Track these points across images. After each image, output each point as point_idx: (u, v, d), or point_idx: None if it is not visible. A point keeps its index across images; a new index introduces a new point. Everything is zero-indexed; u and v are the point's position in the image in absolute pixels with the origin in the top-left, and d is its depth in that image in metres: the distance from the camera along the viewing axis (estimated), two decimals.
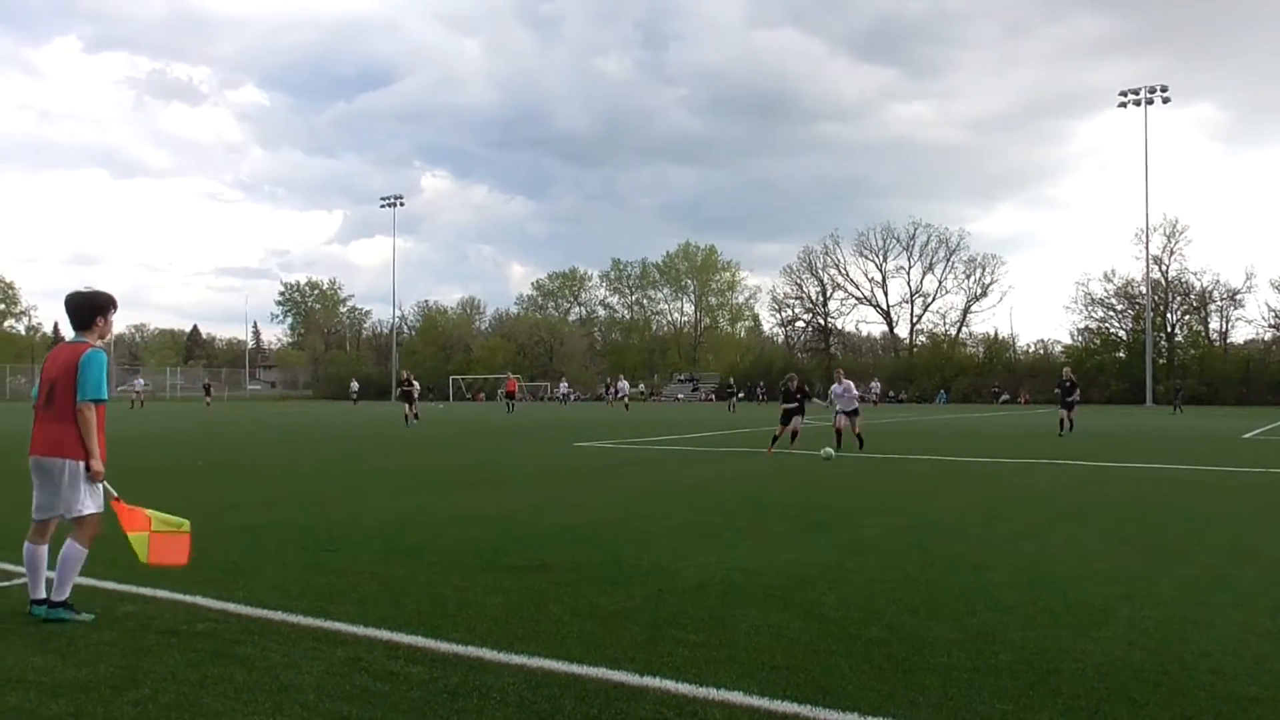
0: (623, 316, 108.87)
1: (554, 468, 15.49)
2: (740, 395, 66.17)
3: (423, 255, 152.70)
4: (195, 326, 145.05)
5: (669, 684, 4.27)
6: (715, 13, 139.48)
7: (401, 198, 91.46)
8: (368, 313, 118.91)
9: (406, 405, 29.25)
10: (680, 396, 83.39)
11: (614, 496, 11.40)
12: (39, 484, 5.36)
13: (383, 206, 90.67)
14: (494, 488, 12.30)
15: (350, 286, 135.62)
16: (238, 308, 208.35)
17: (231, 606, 5.66)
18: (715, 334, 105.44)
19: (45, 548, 5.39)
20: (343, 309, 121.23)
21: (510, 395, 46.83)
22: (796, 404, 18.94)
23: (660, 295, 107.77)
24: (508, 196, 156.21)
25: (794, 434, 18.89)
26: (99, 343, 5.49)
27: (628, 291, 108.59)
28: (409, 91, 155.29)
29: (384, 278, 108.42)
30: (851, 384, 19.67)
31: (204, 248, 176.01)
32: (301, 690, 4.19)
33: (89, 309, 5.52)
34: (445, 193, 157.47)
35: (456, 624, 5.28)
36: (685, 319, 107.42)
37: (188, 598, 5.84)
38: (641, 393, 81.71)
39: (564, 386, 74.49)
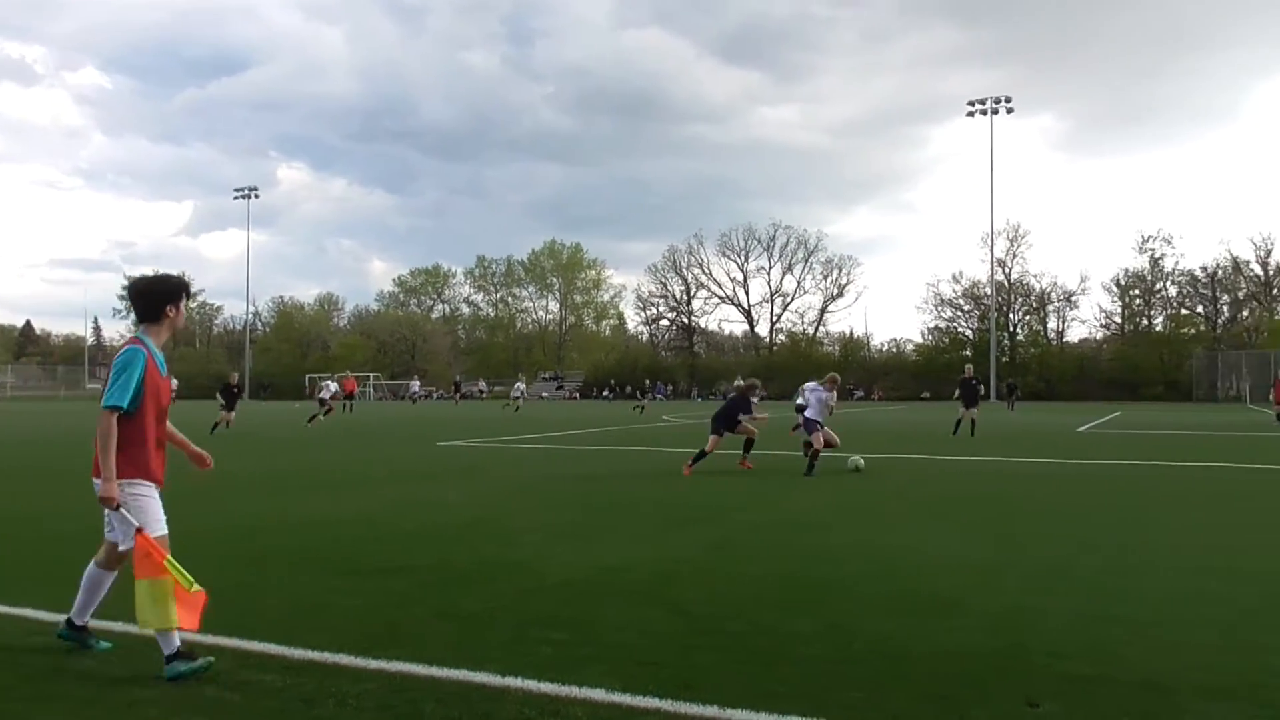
0: (487, 314, 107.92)
1: (416, 468, 15.21)
2: (609, 395, 66.47)
3: (278, 249, 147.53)
4: (28, 322, 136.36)
5: (532, 684, 4.23)
6: (582, 10, 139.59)
7: (256, 189, 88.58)
8: (219, 308, 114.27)
9: (225, 410, 24.73)
10: (545, 395, 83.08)
11: (479, 496, 11.26)
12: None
13: (236, 198, 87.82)
14: (353, 489, 11.99)
15: (201, 281, 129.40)
16: (76, 302, 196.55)
17: None
18: (581, 332, 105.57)
19: (107, 572, 4.66)
20: (192, 304, 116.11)
21: (349, 395, 43.13)
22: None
23: (526, 293, 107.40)
24: (368, 190, 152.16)
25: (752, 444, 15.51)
26: (164, 335, 4.60)
27: (493, 289, 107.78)
28: (265, 79, 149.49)
29: (237, 272, 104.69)
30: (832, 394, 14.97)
31: (39, 238, 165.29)
32: (146, 704, 3.97)
33: (154, 297, 4.58)
34: (303, 185, 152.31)
35: (313, 629, 5.10)
36: (550, 317, 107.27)
37: (21, 611, 5.48)
38: (481, 392, 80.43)
39: (415, 385, 72.99)
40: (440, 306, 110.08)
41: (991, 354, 71.11)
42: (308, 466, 15.30)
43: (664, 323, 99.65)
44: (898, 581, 6.42)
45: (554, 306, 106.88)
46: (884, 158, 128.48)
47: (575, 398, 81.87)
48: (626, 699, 4.06)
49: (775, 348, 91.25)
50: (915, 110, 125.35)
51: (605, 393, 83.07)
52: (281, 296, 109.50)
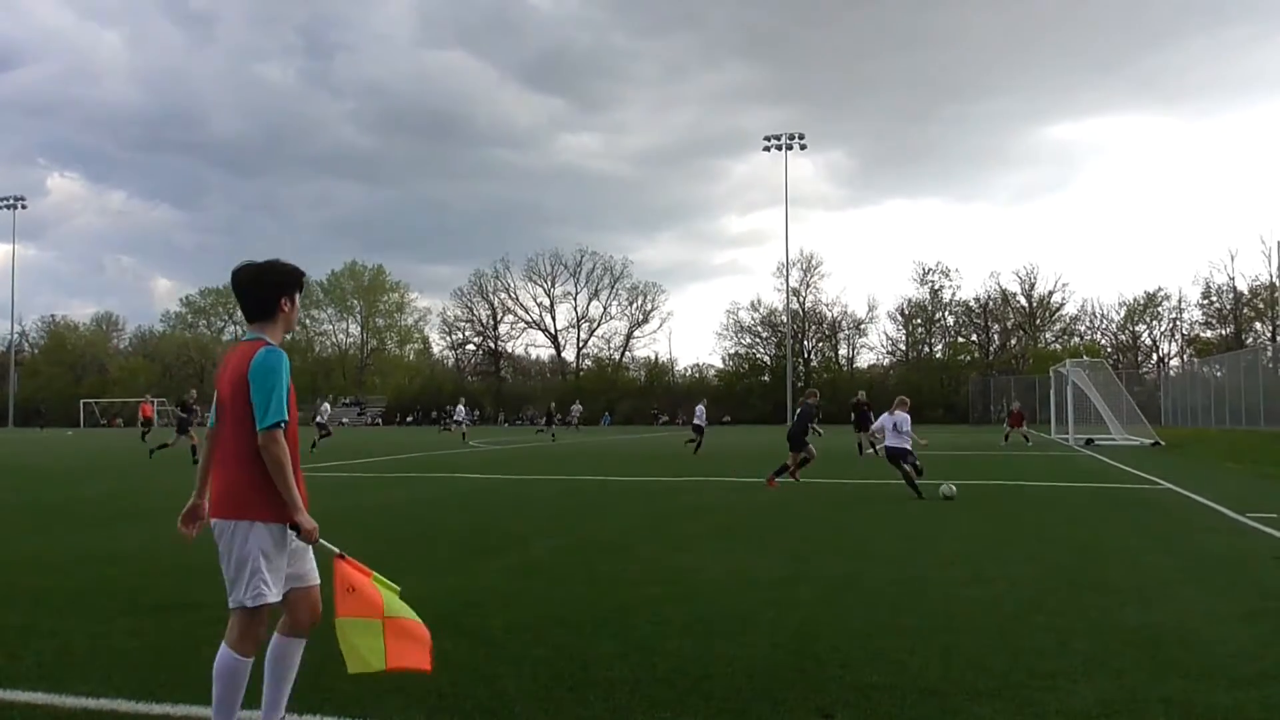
0: (284, 337, 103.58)
1: None
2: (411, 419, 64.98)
3: (48, 265, 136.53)
4: None
5: None
6: (384, 27, 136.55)
7: (24, 199, 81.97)
8: None
9: (179, 434, 24.29)
10: (345, 421, 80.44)
11: None
12: (222, 557, 3.65)
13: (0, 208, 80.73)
14: (134, 522, 11.23)
15: None
16: None
17: None
18: (383, 356, 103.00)
19: (298, 639, 3.82)
20: None
21: (146, 421, 40.15)
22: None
23: (325, 315, 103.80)
24: (152, 204, 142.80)
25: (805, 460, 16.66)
26: (279, 335, 3.79)
27: None
28: (32, 80, 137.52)
29: None
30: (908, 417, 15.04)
31: None
32: None
33: (267, 288, 3.73)
34: (77, 196, 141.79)
35: (85, 675, 4.75)
36: (351, 340, 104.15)
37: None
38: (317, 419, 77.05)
39: (325, 407, 68.07)
40: (232, 328, 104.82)
41: (788, 379, 74.09)
42: (78, 499, 14.20)
43: (470, 347, 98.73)
44: (696, 601, 6.58)
45: (355, 329, 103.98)
46: (686, 188, 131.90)
47: (378, 423, 79.68)
48: None
49: (582, 372, 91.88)
50: (716, 143, 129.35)
51: (409, 418, 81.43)
52: (53, 315, 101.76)
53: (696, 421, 27.60)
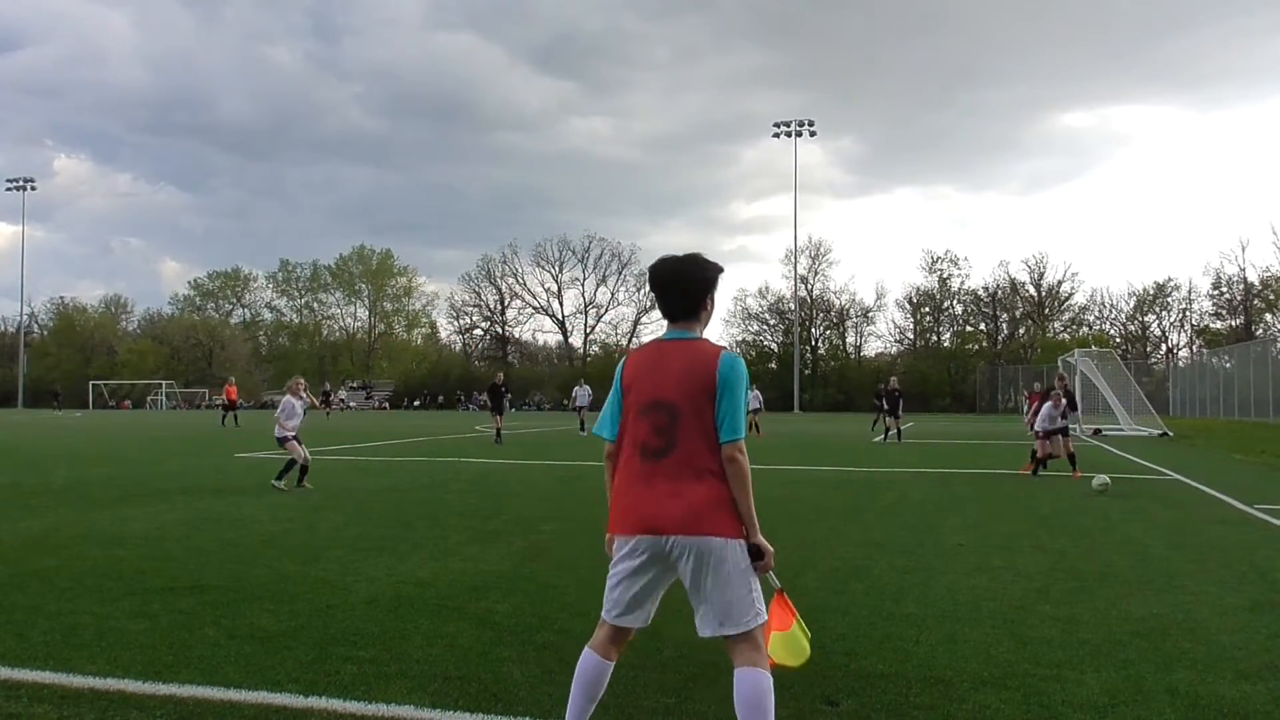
0: (291, 320, 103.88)
1: (211, 481, 14.45)
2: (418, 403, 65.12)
3: (57, 247, 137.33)
4: None
5: (336, 703, 4.10)
6: (391, 9, 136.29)
7: (33, 181, 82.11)
8: None
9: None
10: (352, 404, 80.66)
11: (279, 510, 10.80)
12: (634, 574, 3.38)
13: (9, 190, 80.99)
14: (142, 503, 11.27)
15: None
16: None
17: None
18: (390, 340, 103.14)
19: (612, 665, 3.52)
20: None
21: (231, 403, 37.29)
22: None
23: (332, 299, 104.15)
24: (158, 186, 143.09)
25: (1050, 456, 15.69)
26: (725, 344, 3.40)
27: (297, 294, 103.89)
28: (39, 61, 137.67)
29: (8, 270, 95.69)
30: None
31: None
32: None
33: (702, 284, 3.45)
34: (84, 178, 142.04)
35: (93, 655, 4.77)
36: (359, 324, 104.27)
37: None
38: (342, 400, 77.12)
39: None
40: (240, 311, 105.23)
41: (795, 367, 74.04)
42: (89, 480, 14.26)
43: (477, 332, 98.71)
44: None
45: (363, 313, 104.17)
46: (696, 173, 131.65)
47: (385, 407, 79.88)
48: (435, 714, 4.00)
49: (589, 359, 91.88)
50: (725, 128, 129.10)
51: (415, 402, 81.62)
52: (61, 297, 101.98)
53: (578, 404, 31.21)
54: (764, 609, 3.29)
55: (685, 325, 3.43)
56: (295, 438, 13.57)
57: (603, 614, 3.46)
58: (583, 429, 30.29)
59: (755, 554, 3.28)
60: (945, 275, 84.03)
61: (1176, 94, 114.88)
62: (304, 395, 14.42)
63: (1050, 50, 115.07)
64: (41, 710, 3.99)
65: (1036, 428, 15.81)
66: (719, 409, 3.22)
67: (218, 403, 42.07)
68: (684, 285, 3.42)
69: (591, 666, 3.43)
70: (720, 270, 3.50)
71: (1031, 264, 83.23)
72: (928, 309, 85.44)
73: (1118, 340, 75.97)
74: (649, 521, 3.24)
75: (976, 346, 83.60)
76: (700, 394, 3.23)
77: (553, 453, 21.28)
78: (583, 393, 32.04)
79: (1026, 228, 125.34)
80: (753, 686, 3.18)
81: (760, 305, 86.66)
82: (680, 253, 3.51)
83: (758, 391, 30.97)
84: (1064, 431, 15.66)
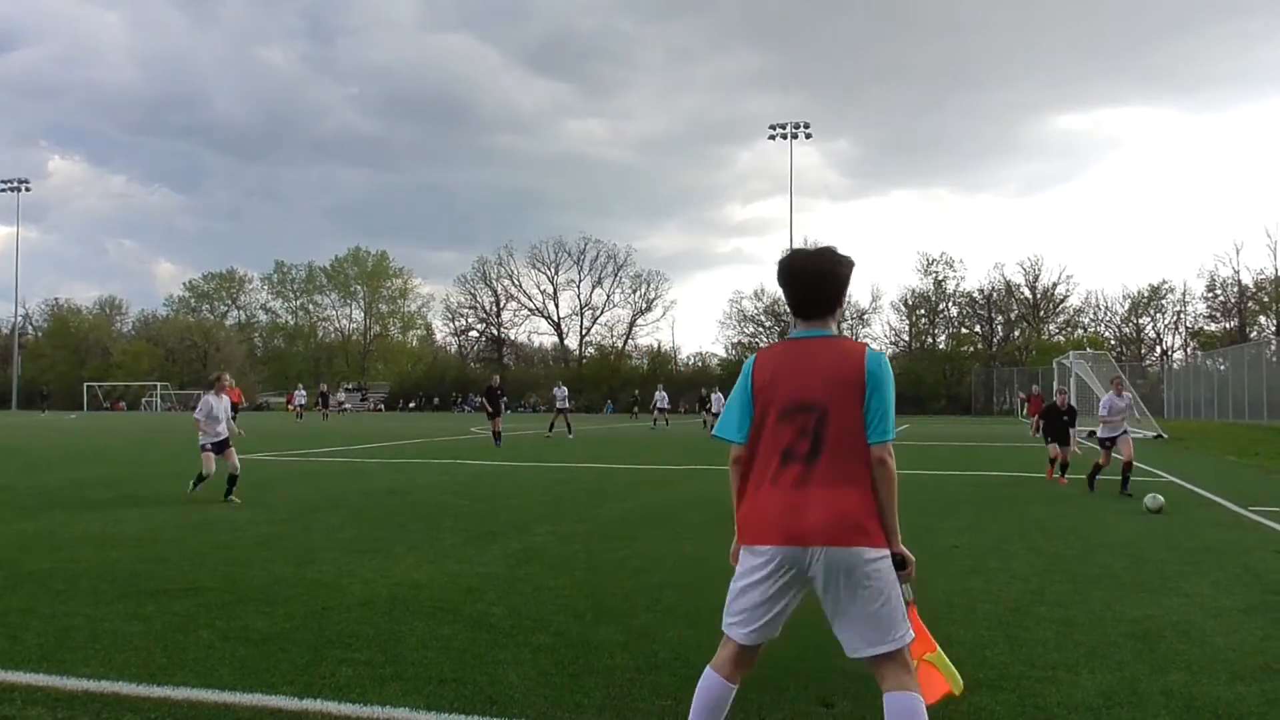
0: (286, 322, 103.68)
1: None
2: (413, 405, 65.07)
3: (51, 248, 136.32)
4: None
5: (331, 705, 4.09)
6: (386, 10, 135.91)
7: (27, 181, 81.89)
8: None
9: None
10: (348, 406, 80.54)
11: (274, 511, 10.78)
12: (771, 587, 3.19)
13: (3, 191, 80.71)
14: (136, 506, 11.25)
15: None
16: None
17: None
18: (386, 342, 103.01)
19: (736, 688, 3.23)
20: None
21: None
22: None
23: (328, 301, 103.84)
24: (152, 187, 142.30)
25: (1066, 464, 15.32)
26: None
27: (292, 296, 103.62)
28: (33, 62, 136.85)
29: (2, 272, 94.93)
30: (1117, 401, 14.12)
31: None
32: None
33: (841, 280, 3.28)
34: (79, 179, 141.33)
35: (87, 657, 4.76)
36: (354, 326, 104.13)
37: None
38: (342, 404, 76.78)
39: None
40: (235, 313, 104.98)
41: None
42: (80, 482, 14.23)
43: (473, 334, 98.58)
44: (699, 590, 6.57)
45: (358, 315, 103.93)
46: (691, 175, 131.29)
47: (380, 409, 79.79)
48: (430, 717, 4.00)
49: (585, 360, 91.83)
50: (721, 130, 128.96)
51: (411, 404, 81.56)
52: (55, 298, 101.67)
53: (560, 405, 31.86)
54: (908, 631, 3.09)
55: (819, 323, 3.24)
56: (216, 445, 11.94)
57: (726, 630, 3.22)
58: (551, 430, 31.28)
59: (899, 564, 3.15)
60: (940, 277, 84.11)
61: (1171, 97, 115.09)
62: (225, 394, 12.34)
63: (1045, 53, 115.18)
64: (35, 713, 3.98)
65: (1100, 435, 14.04)
66: (868, 408, 3.04)
67: None
68: (821, 280, 3.24)
69: (714, 688, 3.18)
70: (854, 265, 3.31)
71: (1027, 266, 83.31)
72: (923, 311, 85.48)
73: (1112, 342, 76.05)
74: (792, 531, 3.05)
75: (972, 349, 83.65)
76: (849, 393, 3.05)
77: (548, 455, 21.26)
78: (560, 394, 32.44)
79: (1022, 230, 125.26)
80: (910, 714, 2.95)
81: (756, 307, 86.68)
82: (812, 247, 3.38)
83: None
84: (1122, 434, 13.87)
